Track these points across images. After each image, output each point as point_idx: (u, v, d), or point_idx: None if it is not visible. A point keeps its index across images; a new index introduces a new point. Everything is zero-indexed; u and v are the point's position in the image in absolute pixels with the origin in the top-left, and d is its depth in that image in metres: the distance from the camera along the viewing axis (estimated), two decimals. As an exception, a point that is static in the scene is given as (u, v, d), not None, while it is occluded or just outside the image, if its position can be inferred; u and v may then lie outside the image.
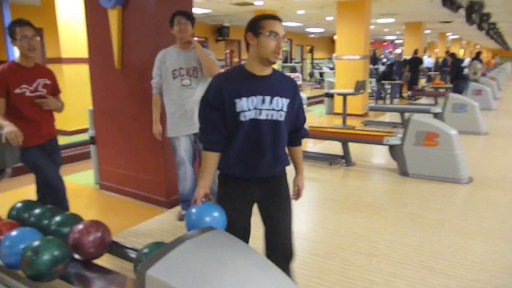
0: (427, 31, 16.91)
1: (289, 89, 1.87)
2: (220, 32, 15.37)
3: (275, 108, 1.79)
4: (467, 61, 14.65)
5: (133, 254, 2.05)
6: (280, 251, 1.96)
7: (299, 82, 14.62)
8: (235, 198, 1.90)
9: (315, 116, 9.97)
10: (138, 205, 4.00)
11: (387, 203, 4.02)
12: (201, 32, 14.70)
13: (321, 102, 11.53)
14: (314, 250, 3.01)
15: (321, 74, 18.19)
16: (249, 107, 1.76)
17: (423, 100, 12.11)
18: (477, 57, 11.59)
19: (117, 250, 2.12)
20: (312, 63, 22.92)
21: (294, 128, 1.96)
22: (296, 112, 1.92)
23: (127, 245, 2.13)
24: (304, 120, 2.01)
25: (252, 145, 1.81)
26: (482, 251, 2.95)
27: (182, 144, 3.29)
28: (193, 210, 1.77)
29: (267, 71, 1.82)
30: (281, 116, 1.81)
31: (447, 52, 17.28)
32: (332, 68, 16.38)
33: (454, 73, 10.36)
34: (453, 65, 10.37)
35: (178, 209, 3.68)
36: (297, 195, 2.07)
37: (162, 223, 3.53)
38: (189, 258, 1.43)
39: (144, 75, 3.62)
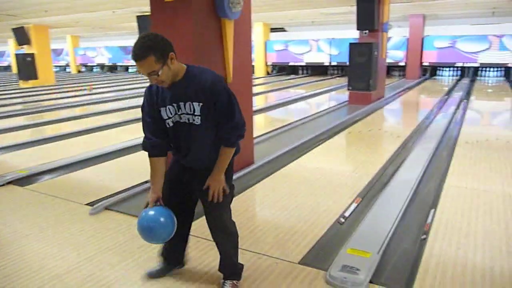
0: None
1: (202, 93, 1.93)
2: None
3: (188, 112, 1.96)
4: None
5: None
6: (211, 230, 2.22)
7: None
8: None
9: None
10: None
11: None
12: None
13: None
14: None
15: None
16: (168, 115, 2.00)
17: None
18: None
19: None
20: None
21: (219, 129, 2.02)
22: (218, 114, 1.98)
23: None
24: (229, 121, 1.99)
25: (179, 143, 2.07)
26: None
27: None
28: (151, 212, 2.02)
29: (178, 79, 1.95)
30: (196, 119, 1.96)
31: None
32: None
33: None
34: None
35: None
36: (210, 195, 2.06)
37: None
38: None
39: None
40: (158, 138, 2.04)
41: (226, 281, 2.22)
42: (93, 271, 2.54)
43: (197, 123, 1.98)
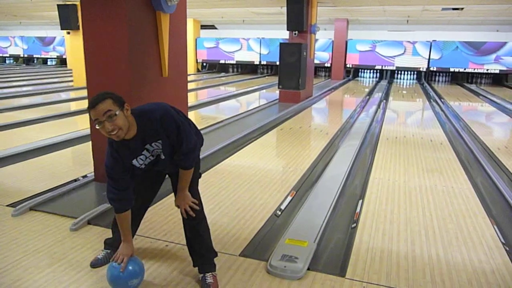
0: None
1: (157, 132, 2.07)
2: None
3: (157, 148, 2.12)
4: None
5: None
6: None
7: None
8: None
9: None
10: None
11: None
12: None
13: None
14: None
15: None
16: (139, 162, 2.13)
17: None
18: None
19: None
20: None
21: (175, 155, 2.16)
22: (171, 142, 2.12)
23: None
24: (182, 147, 2.12)
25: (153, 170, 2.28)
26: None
27: None
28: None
29: (131, 134, 2.03)
30: (161, 151, 2.14)
31: None
32: None
33: None
34: None
35: None
36: (183, 213, 2.26)
37: None
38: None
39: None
40: (126, 190, 2.13)
41: (206, 274, 2.27)
42: (21, 276, 2.37)
43: (164, 155, 2.15)
